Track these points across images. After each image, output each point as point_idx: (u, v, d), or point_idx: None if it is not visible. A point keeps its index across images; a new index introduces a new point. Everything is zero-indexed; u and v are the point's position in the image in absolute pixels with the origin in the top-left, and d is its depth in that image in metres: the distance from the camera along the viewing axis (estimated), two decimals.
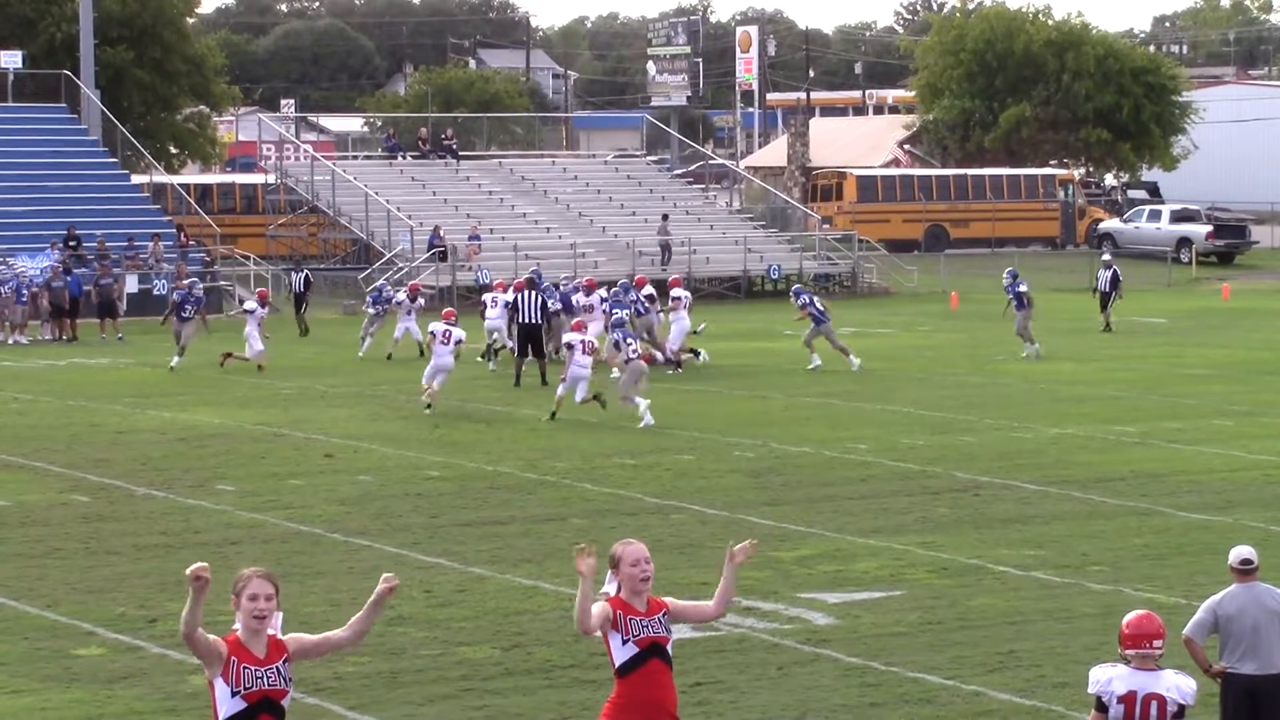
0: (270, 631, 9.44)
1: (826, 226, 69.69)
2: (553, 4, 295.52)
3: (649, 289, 40.43)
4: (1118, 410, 31.83)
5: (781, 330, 44.40)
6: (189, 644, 9.24)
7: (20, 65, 65.05)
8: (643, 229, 62.31)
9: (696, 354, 39.37)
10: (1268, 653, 12.07)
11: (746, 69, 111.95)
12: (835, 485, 24.60)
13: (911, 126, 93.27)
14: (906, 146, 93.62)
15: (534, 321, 36.94)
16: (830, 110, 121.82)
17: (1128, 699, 10.48)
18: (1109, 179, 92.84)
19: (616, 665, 10.38)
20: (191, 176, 77.24)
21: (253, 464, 26.51)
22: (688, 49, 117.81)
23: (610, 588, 10.47)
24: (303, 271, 50.99)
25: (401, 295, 42.96)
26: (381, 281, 47.74)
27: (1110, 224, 77.65)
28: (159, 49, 75.57)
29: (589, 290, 40.57)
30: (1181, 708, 10.48)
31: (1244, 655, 12.09)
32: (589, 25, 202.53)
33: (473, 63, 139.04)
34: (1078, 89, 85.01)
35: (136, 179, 64.62)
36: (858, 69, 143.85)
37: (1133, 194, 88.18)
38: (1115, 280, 48.21)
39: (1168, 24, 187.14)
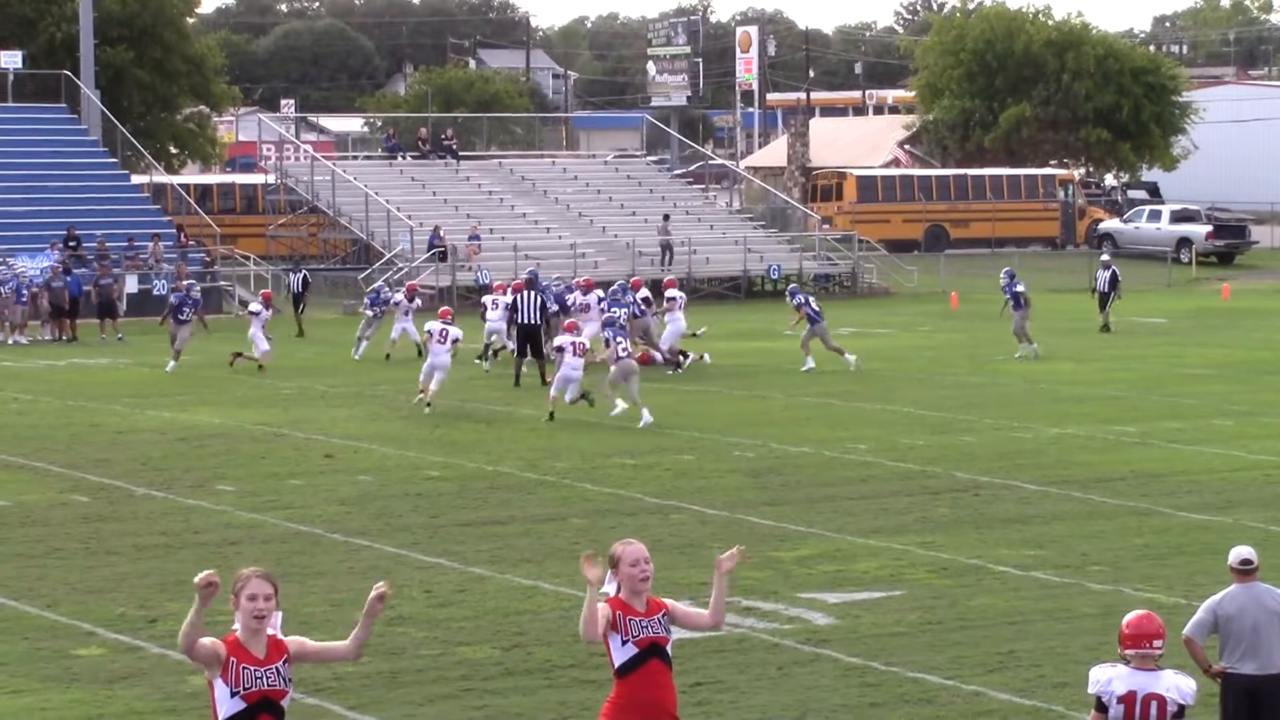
0: (270, 631, 9.43)
1: (826, 227, 69.70)
2: (553, 4, 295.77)
3: (644, 291, 40.50)
4: (1118, 410, 31.83)
5: (781, 330, 44.38)
6: (190, 655, 9.22)
7: (20, 65, 65.06)
8: (643, 229, 62.31)
9: (685, 356, 39.30)
10: (1268, 653, 12.06)
11: (746, 69, 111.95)
12: (835, 485, 24.60)
13: (911, 126, 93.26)
14: (906, 146, 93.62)
15: (533, 322, 36.96)
16: (830, 110, 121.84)
17: (1128, 699, 10.48)
18: (1109, 179, 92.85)
19: (616, 666, 10.38)
20: (191, 176, 77.26)
21: (253, 464, 26.51)
22: (688, 49, 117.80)
23: (610, 588, 10.47)
24: (300, 272, 50.99)
25: (399, 296, 42.97)
26: (380, 284, 47.74)
27: (1110, 224, 77.65)
28: (159, 49, 75.57)
29: (586, 290, 40.57)
30: (1181, 708, 10.48)
31: (1244, 655, 12.09)
32: (589, 25, 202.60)
33: (473, 63, 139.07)
34: (1078, 89, 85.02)
35: (136, 179, 64.62)
36: (858, 69, 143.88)
37: (1133, 194, 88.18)
38: (1114, 281, 48.20)
39: (1168, 24, 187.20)
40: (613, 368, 31.12)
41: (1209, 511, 22.56)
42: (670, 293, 40.11)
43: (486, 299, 41.27)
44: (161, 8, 75.92)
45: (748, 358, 41.23)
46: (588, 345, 32.18)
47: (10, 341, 47.03)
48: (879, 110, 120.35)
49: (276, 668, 9.38)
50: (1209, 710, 12.71)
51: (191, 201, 63.99)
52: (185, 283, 44.39)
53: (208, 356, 41.10)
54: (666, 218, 62.14)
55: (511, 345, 38.18)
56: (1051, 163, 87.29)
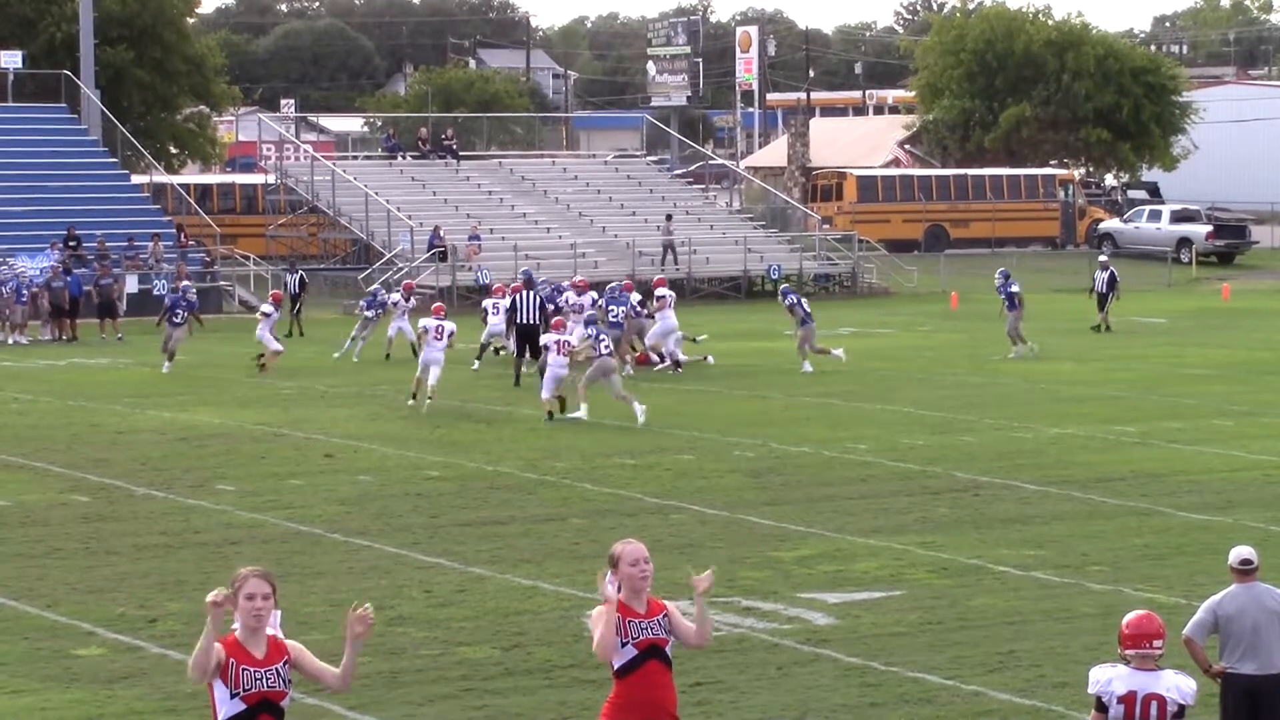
0: (270, 631, 9.41)
1: (826, 226, 69.71)
2: (553, 4, 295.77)
3: (636, 294, 40.60)
4: (1118, 410, 31.83)
5: (781, 330, 44.38)
6: (202, 681, 9.20)
7: (20, 65, 65.07)
8: (643, 229, 62.32)
9: (662, 358, 39.31)
10: (1268, 653, 12.06)
11: (746, 69, 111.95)
12: (835, 485, 24.60)
13: (911, 126, 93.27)
14: (906, 146, 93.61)
15: (532, 322, 36.98)
16: (830, 110, 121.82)
17: (1128, 699, 10.48)
18: (1109, 179, 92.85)
19: (615, 667, 10.36)
20: (191, 176, 77.25)
21: (253, 464, 26.51)
22: (688, 49, 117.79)
23: (609, 588, 10.44)
24: (297, 273, 50.98)
25: (396, 296, 42.98)
26: (376, 286, 47.73)
27: (1110, 224, 77.66)
28: (159, 49, 75.58)
29: (580, 291, 40.58)
30: (1181, 708, 10.48)
31: (1244, 655, 12.08)
32: (589, 25, 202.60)
33: (473, 63, 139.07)
34: (1078, 89, 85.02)
35: (136, 179, 64.65)
36: (858, 69, 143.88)
37: (1133, 194, 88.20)
38: (1112, 281, 48.18)
39: (1168, 24, 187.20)
40: (591, 366, 31.26)
41: (1209, 511, 22.56)
42: (660, 291, 40.14)
43: (487, 303, 41.28)
44: (161, 8, 75.93)
45: (748, 358, 41.23)
46: (573, 344, 32.22)
47: (10, 341, 47.04)
48: (879, 110, 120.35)
49: (276, 669, 9.36)
50: (1209, 710, 12.71)
51: (191, 201, 64.01)
52: (182, 284, 44.40)
53: (206, 357, 41.10)
54: (669, 218, 62.13)
55: (511, 346, 38.23)
56: (1051, 163, 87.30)
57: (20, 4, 74.23)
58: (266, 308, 40.79)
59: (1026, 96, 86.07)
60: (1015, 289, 41.86)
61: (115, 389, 36.11)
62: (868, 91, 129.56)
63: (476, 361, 39.46)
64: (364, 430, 29.94)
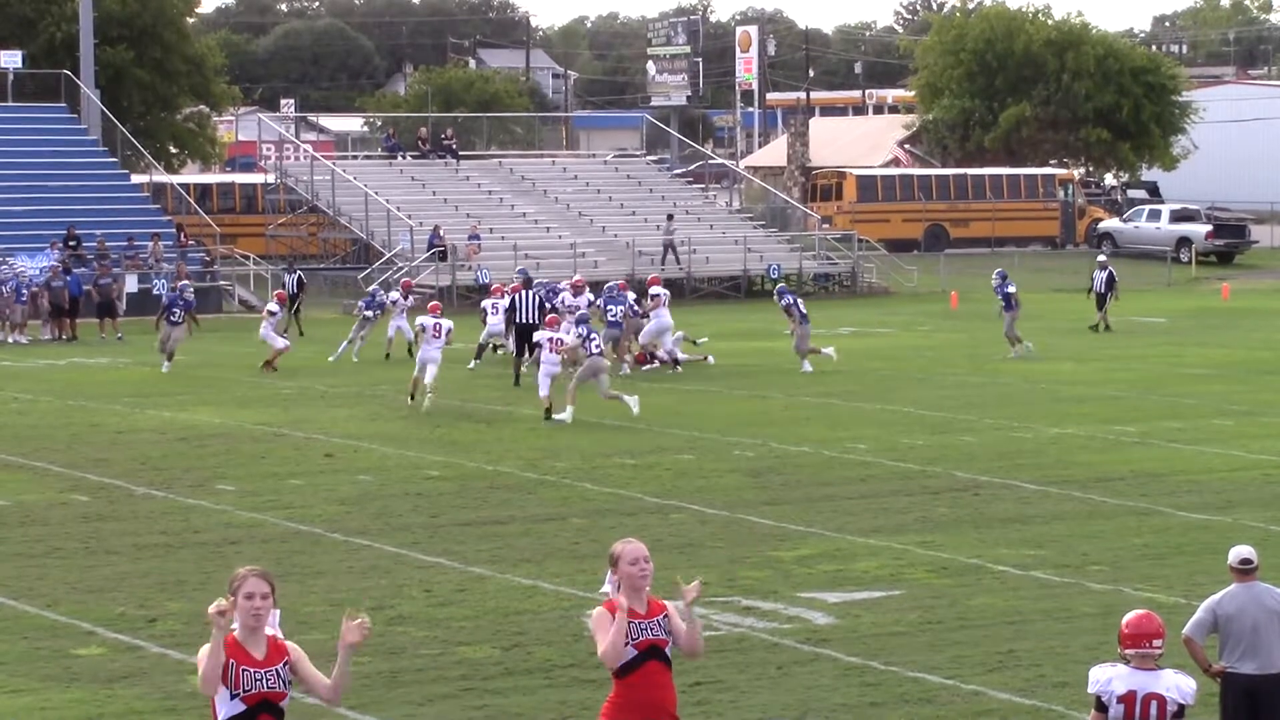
0: (270, 632, 9.41)
1: (826, 226, 69.70)
2: (553, 4, 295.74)
3: (631, 294, 40.65)
4: (1118, 410, 31.83)
5: (781, 330, 44.37)
6: (214, 695, 9.20)
7: (20, 65, 65.06)
8: (643, 229, 62.31)
9: (652, 358, 39.32)
10: (1267, 652, 12.06)
11: (746, 69, 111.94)
12: (835, 485, 24.60)
13: (911, 126, 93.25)
14: (906, 146, 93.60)
15: (532, 322, 36.97)
16: (830, 110, 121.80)
17: (1127, 699, 10.48)
18: (1109, 179, 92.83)
19: (615, 667, 10.36)
20: (191, 176, 77.23)
21: (253, 464, 26.51)
22: (688, 49, 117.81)
23: (609, 588, 10.46)
24: (295, 272, 50.98)
25: (395, 294, 42.99)
26: (376, 286, 47.71)
27: (1110, 224, 77.66)
28: (159, 49, 75.57)
29: (577, 291, 40.58)
30: (1181, 707, 10.48)
31: (1244, 655, 12.09)
32: (589, 25, 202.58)
33: (473, 63, 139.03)
34: (1078, 89, 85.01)
35: (136, 179, 64.63)
36: (858, 69, 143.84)
37: (1132, 194, 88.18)
38: (1111, 281, 48.17)
39: (1168, 24, 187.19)
40: (582, 365, 31.27)
41: (1209, 511, 22.56)
42: (654, 290, 40.16)
43: (486, 303, 41.28)
44: (161, 8, 75.92)
45: (748, 358, 41.23)
46: (565, 341, 32.22)
47: (10, 341, 47.04)
48: (879, 110, 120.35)
49: (276, 669, 9.35)
50: (1209, 710, 12.71)
51: (191, 201, 63.99)
52: (180, 283, 44.39)
53: (206, 356, 41.10)
54: (670, 217, 62.10)
55: (511, 345, 38.23)
56: (1051, 162, 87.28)
57: (20, 4, 74.23)
58: (273, 306, 40.88)
59: (1026, 96, 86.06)
60: (1012, 289, 41.85)
61: (115, 389, 36.11)
62: (867, 91, 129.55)
63: (474, 361, 39.49)
64: (364, 430, 29.95)
